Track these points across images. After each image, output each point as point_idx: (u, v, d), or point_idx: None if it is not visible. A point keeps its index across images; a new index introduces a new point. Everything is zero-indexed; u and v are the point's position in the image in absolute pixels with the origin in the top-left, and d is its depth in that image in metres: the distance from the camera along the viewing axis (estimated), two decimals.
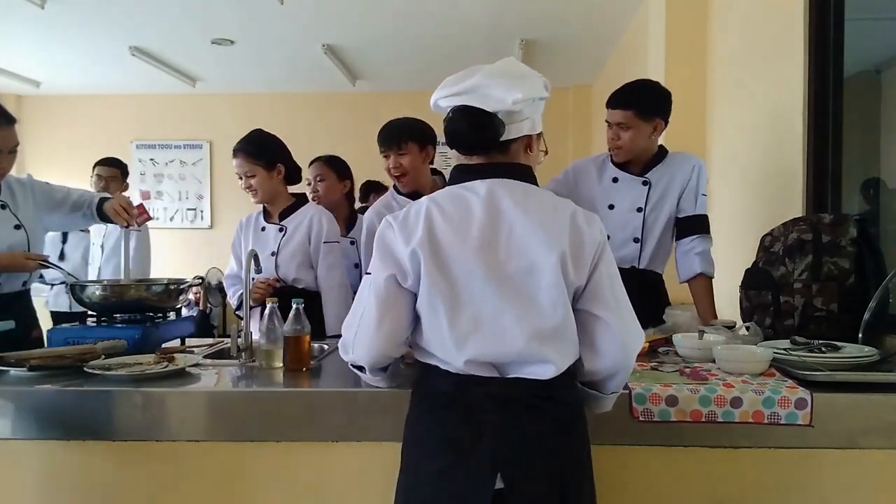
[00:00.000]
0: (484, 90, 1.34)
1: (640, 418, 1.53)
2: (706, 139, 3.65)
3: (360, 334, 1.37)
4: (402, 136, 2.39)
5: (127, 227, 2.42)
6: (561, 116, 7.20)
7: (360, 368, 1.44)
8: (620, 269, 2.37)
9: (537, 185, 1.41)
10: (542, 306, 1.30)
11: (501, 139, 1.35)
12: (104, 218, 2.50)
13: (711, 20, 3.66)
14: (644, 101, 2.36)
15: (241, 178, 2.56)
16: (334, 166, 3.08)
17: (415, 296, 1.34)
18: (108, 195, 2.61)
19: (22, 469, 1.68)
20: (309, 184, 3.04)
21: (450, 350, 1.31)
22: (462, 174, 1.40)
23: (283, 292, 2.44)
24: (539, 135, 1.44)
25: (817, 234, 1.99)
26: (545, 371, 1.30)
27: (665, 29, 3.78)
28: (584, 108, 7.06)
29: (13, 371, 1.76)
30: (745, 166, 3.12)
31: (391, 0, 4.61)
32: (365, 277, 1.40)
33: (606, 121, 2.40)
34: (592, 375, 1.39)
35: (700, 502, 1.58)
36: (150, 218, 2.48)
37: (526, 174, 1.40)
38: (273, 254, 2.59)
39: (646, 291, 2.39)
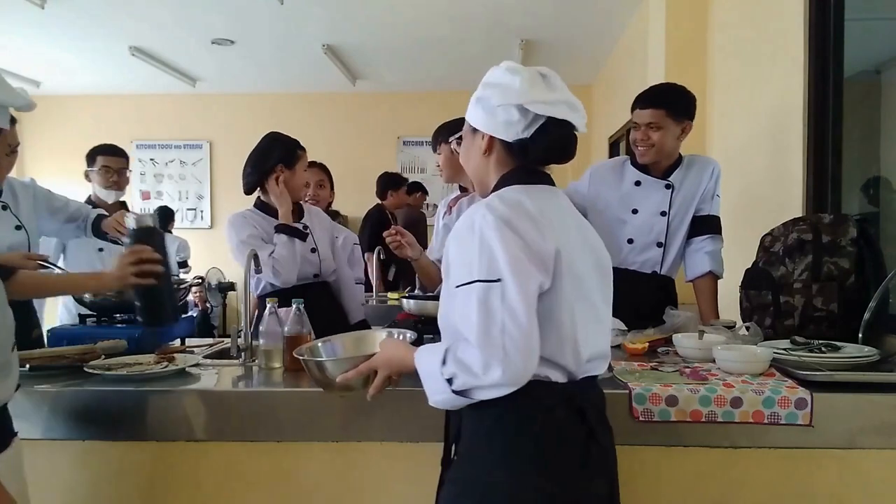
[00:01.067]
0: (576, 109, 1.32)
1: (640, 418, 1.53)
2: (706, 139, 3.65)
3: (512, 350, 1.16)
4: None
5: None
6: None
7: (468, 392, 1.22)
8: (641, 275, 2.43)
9: None
10: (610, 303, 1.36)
11: None
12: (98, 234, 2.53)
13: (711, 20, 3.66)
14: (675, 102, 2.35)
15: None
16: (327, 173, 3.18)
17: None
18: (104, 212, 2.62)
19: (21, 469, 1.68)
20: (307, 186, 3.01)
21: (570, 354, 1.24)
22: (529, 175, 1.33)
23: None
24: None
25: (817, 234, 1.99)
26: (605, 363, 1.35)
27: (665, 29, 3.78)
28: (584, 108, 7.06)
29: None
30: (746, 166, 3.12)
31: (391, 0, 4.61)
32: (478, 286, 1.19)
33: (634, 122, 2.37)
34: None
35: (700, 502, 1.58)
36: None
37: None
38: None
39: (663, 298, 2.39)
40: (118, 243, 2.60)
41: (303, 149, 2.52)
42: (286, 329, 1.80)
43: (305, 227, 2.52)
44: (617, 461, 1.34)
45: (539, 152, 1.30)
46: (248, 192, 2.51)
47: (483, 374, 1.16)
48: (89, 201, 3.01)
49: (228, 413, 1.63)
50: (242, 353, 1.90)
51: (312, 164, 3.03)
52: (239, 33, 5.36)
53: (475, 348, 1.16)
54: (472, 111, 1.36)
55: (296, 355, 1.54)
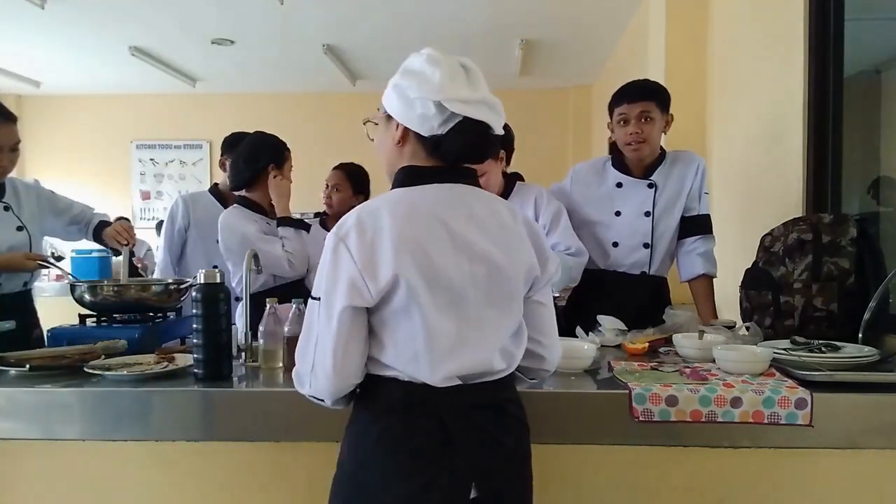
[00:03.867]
0: (494, 106, 1.27)
1: (640, 418, 1.53)
2: (706, 139, 3.65)
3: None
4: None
5: (128, 247, 2.44)
6: (561, 116, 7.22)
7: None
8: (630, 277, 2.42)
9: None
10: (512, 311, 1.30)
11: None
12: (98, 240, 2.52)
13: (711, 20, 3.66)
14: (661, 94, 2.34)
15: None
16: (352, 178, 3.04)
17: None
18: (107, 218, 2.59)
19: (21, 469, 1.68)
20: (326, 187, 3.02)
21: (419, 364, 1.22)
22: (420, 177, 1.29)
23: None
24: None
25: (817, 234, 1.99)
26: (508, 369, 1.32)
27: (665, 29, 3.78)
28: (584, 108, 7.07)
29: (13, 371, 1.76)
30: (746, 166, 3.12)
31: (391, 0, 4.61)
32: (311, 299, 1.27)
33: (622, 116, 2.32)
34: (543, 363, 1.41)
35: (700, 502, 1.58)
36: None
37: (476, 177, 1.36)
38: None
39: (655, 298, 2.39)
40: (118, 253, 2.60)
41: (288, 150, 2.59)
42: (286, 329, 1.80)
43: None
44: (506, 471, 1.28)
45: (452, 151, 1.27)
46: (237, 188, 2.57)
47: (301, 386, 1.28)
48: None
49: (229, 413, 1.63)
50: (242, 353, 1.90)
51: (336, 167, 3.07)
52: (239, 33, 5.36)
53: (297, 360, 1.28)
54: (388, 97, 1.30)
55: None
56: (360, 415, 1.29)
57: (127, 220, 2.56)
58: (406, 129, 1.28)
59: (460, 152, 1.28)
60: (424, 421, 1.22)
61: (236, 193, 2.62)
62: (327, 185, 3.03)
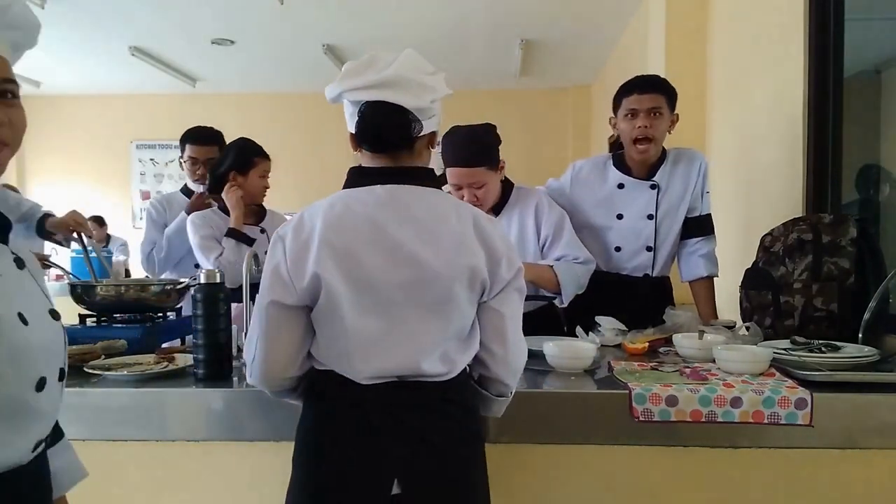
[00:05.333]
0: (402, 85, 1.25)
1: (640, 418, 1.53)
2: (706, 139, 3.65)
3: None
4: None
5: (82, 244, 2.36)
6: (561, 116, 7.22)
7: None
8: (633, 279, 2.40)
9: (439, 186, 1.37)
10: (449, 315, 1.27)
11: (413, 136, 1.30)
12: (42, 234, 2.41)
13: (711, 20, 3.66)
14: (670, 90, 2.29)
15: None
16: None
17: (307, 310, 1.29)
18: (50, 212, 2.47)
19: None
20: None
21: (352, 363, 1.25)
22: (363, 178, 1.32)
23: None
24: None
25: (817, 234, 1.99)
26: (449, 372, 1.28)
27: (665, 29, 3.78)
28: (584, 108, 7.07)
29: None
30: (745, 166, 3.12)
31: (391, 0, 4.61)
32: None
33: (631, 109, 2.25)
34: (491, 373, 1.36)
35: (700, 502, 1.58)
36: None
37: (429, 177, 1.35)
38: None
39: (658, 299, 2.37)
40: (62, 245, 2.56)
41: (261, 155, 2.61)
42: None
43: (263, 230, 2.67)
44: (433, 471, 1.26)
45: (364, 139, 1.31)
46: (210, 192, 2.66)
47: (248, 376, 1.36)
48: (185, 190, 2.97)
49: (229, 413, 1.63)
50: (242, 354, 1.90)
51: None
52: (239, 33, 5.36)
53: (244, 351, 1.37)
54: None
55: None
56: (304, 404, 1.36)
57: (79, 213, 2.48)
58: (352, 133, 1.33)
59: (370, 137, 1.30)
60: (352, 412, 1.26)
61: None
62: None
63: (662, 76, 3.60)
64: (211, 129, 2.94)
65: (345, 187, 1.33)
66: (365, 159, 1.35)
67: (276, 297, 1.25)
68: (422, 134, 1.30)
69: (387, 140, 1.30)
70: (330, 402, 1.29)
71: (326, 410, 1.29)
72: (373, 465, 1.25)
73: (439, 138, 1.48)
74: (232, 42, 5.54)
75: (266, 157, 2.65)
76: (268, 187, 2.69)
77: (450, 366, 1.28)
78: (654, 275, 2.40)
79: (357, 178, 1.33)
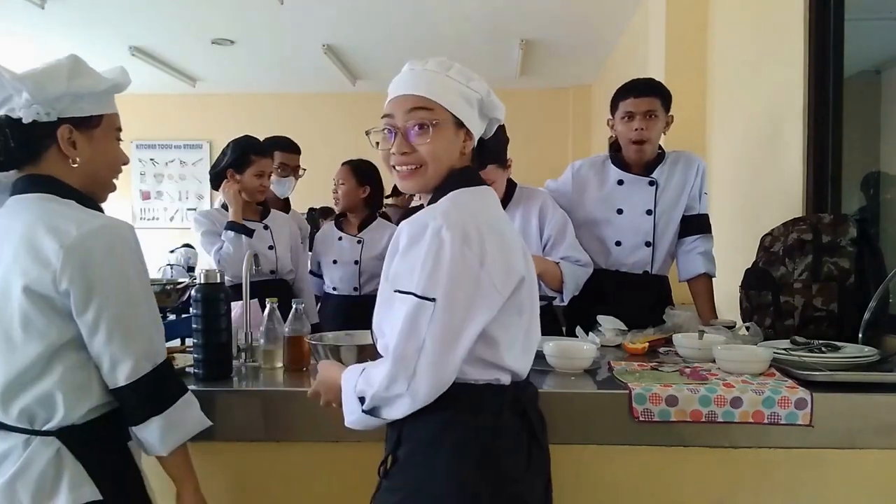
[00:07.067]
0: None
1: (640, 418, 1.53)
2: (706, 139, 3.65)
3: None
4: None
5: None
6: (561, 116, 7.22)
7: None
8: (632, 277, 2.42)
9: None
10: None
11: None
12: None
13: (711, 20, 3.66)
14: (665, 93, 2.35)
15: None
16: (355, 171, 3.05)
17: None
18: None
19: None
20: (334, 189, 3.05)
21: (520, 358, 1.28)
22: (475, 178, 1.32)
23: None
24: None
25: (817, 234, 1.99)
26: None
27: (665, 29, 3.78)
28: (584, 108, 7.07)
29: None
30: (746, 166, 3.12)
31: (391, 0, 4.61)
32: (412, 299, 1.16)
33: (627, 112, 2.31)
34: None
35: (700, 502, 1.58)
36: None
37: None
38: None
39: (657, 298, 2.38)
40: None
41: (259, 153, 2.63)
42: (286, 329, 1.80)
43: (266, 226, 2.73)
44: (550, 459, 1.35)
45: (491, 153, 1.38)
46: (215, 189, 2.74)
47: (385, 388, 1.15)
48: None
49: (228, 413, 1.63)
50: (243, 353, 1.90)
51: (343, 163, 3.06)
52: (239, 33, 5.36)
53: (387, 362, 1.15)
54: (457, 104, 1.26)
55: (309, 341, 1.73)
56: (442, 427, 1.19)
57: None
58: (470, 136, 1.30)
59: (496, 153, 1.35)
60: (518, 419, 1.25)
61: None
62: (335, 182, 3.06)
63: (662, 76, 3.62)
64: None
65: (461, 186, 1.27)
66: (465, 162, 1.31)
67: (483, 315, 1.16)
68: None
69: (499, 156, 1.38)
70: (496, 417, 1.21)
71: (493, 425, 1.20)
72: (542, 468, 1.29)
73: None
74: (232, 42, 5.54)
75: (265, 154, 2.66)
76: (265, 186, 2.69)
77: None
78: (653, 272, 2.41)
79: (472, 178, 1.31)
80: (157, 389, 1.27)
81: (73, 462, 1.22)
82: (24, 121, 1.25)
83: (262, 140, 2.78)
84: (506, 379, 1.24)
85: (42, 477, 1.20)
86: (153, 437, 1.27)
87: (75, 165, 1.30)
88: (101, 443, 1.27)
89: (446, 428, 1.18)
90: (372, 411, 1.19)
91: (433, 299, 1.12)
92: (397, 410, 1.16)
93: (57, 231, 1.20)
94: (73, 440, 1.23)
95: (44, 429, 1.22)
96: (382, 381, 1.15)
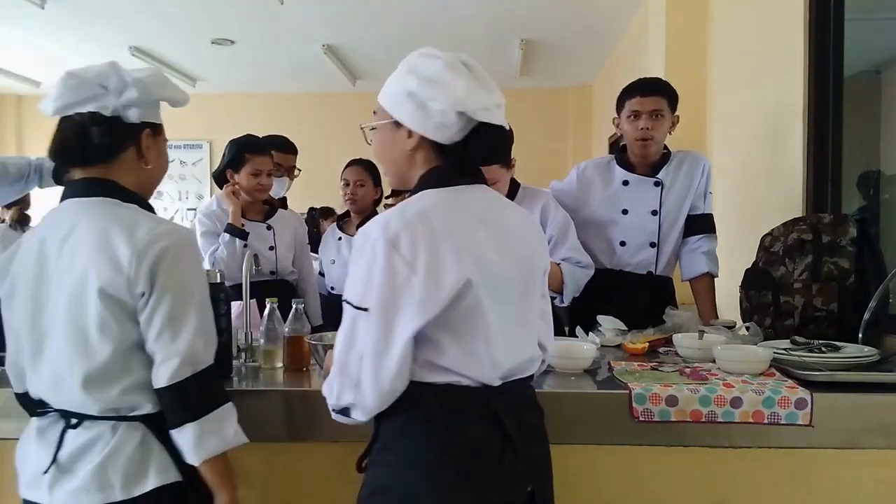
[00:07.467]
0: (503, 109, 1.27)
1: (640, 418, 1.53)
2: (706, 139, 3.65)
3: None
4: None
5: None
6: (561, 116, 7.22)
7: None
8: (636, 277, 2.42)
9: None
10: (533, 304, 1.31)
11: None
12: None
13: (711, 20, 3.66)
14: (672, 93, 2.34)
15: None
16: (372, 172, 3.02)
17: None
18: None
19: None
20: (347, 185, 2.99)
21: (482, 364, 1.19)
22: (454, 175, 1.26)
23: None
24: None
25: (817, 234, 1.99)
26: (537, 364, 1.33)
27: (665, 29, 3.78)
28: (584, 108, 7.07)
29: None
30: (746, 166, 3.12)
31: (391, 0, 4.61)
32: (350, 309, 1.18)
33: (634, 111, 2.30)
34: (546, 356, 1.40)
35: (700, 502, 1.58)
36: None
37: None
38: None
39: (660, 298, 2.37)
40: None
41: (254, 152, 2.61)
42: (286, 329, 1.80)
43: (269, 227, 2.72)
44: (547, 466, 1.31)
45: (472, 155, 1.25)
46: (220, 187, 2.73)
47: (337, 399, 1.18)
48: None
49: None
50: (243, 353, 1.90)
51: (356, 163, 3.02)
52: (239, 33, 5.36)
53: (334, 373, 1.18)
54: (399, 105, 1.24)
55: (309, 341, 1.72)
56: (409, 426, 1.19)
57: None
58: (421, 138, 1.23)
59: (483, 157, 1.28)
60: (487, 422, 1.19)
61: None
62: (348, 183, 2.99)
63: (662, 76, 3.62)
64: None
65: (433, 185, 1.24)
66: (430, 163, 1.26)
67: (416, 321, 1.12)
68: None
69: (497, 160, 1.32)
70: (459, 416, 1.18)
71: (457, 424, 1.18)
72: (513, 474, 1.21)
73: None
74: (232, 42, 5.54)
75: (261, 152, 2.62)
76: (263, 185, 2.64)
77: (538, 357, 1.33)
78: (657, 273, 2.41)
79: (449, 175, 1.25)
80: (194, 396, 1.28)
81: (159, 446, 1.27)
82: (127, 119, 1.32)
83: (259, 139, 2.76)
84: (467, 382, 1.18)
85: (130, 460, 1.25)
86: (186, 443, 1.26)
87: (148, 167, 1.38)
88: None
89: (407, 427, 1.19)
90: (342, 412, 1.20)
91: (367, 309, 1.14)
92: (357, 416, 1.18)
93: (130, 235, 1.25)
94: (156, 426, 1.27)
95: (130, 414, 1.27)
96: (333, 393, 1.19)
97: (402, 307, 1.12)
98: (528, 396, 1.31)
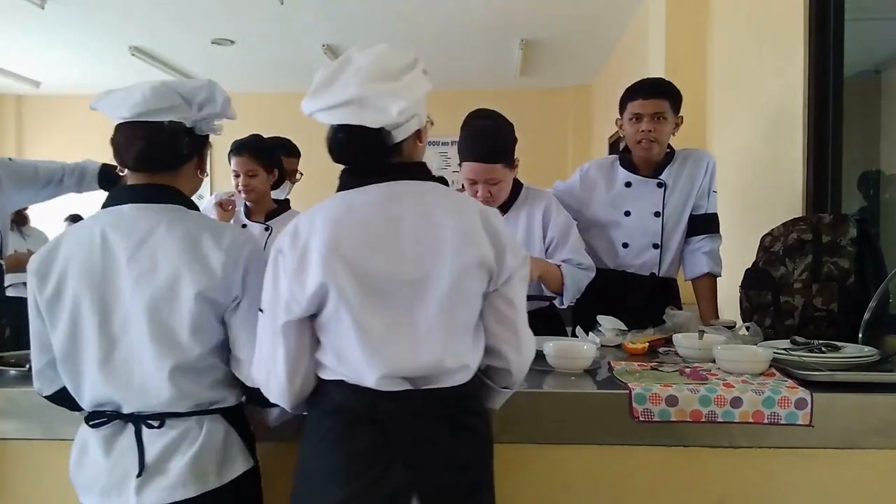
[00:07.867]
0: (364, 103, 1.21)
1: (640, 418, 1.53)
2: (706, 139, 3.65)
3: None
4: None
5: None
6: (561, 116, 7.22)
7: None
8: (639, 278, 2.41)
9: (433, 178, 1.33)
10: (454, 308, 1.23)
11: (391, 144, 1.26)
12: (109, 183, 2.42)
13: (711, 20, 3.66)
14: (675, 94, 2.32)
15: (238, 175, 2.64)
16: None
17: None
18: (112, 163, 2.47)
19: (21, 469, 1.68)
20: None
21: (358, 368, 1.21)
22: (357, 178, 1.29)
23: None
24: (428, 122, 1.36)
25: (817, 234, 1.99)
26: (463, 376, 1.26)
27: (665, 29, 3.78)
28: (584, 108, 7.06)
29: (13, 371, 1.76)
30: (746, 166, 3.12)
31: (391, 0, 4.61)
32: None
33: (636, 113, 2.29)
34: (511, 366, 1.33)
35: (700, 502, 1.58)
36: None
37: (425, 172, 1.32)
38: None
39: (664, 300, 2.35)
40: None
41: (231, 153, 2.63)
42: None
43: (268, 227, 2.71)
44: (454, 489, 1.23)
45: (339, 156, 1.30)
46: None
47: (266, 396, 1.30)
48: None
49: None
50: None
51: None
52: (239, 33, 5.36)
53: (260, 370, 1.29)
54: None
55: None
56: (311, 414, 1.31)
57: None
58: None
59: (338, 158, 1.30)
60: (368, 425, 1.21)
61: None
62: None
63: (662, 76, 3.62)
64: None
65: (339, 190, 1.31)
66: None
67: (284, 317, 1.22)
68: (405, 137, 1.28)
69: (364, 161, 1.29)
70: (343, 415, 1.23)
71: (341, 422, 1.23)
72: (393, 483, 1.19)
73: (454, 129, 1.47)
74: (232, 42, 5.54)
75: (236, 153, 2.59)
76: (245, 186, 2.59)
77: (464, 370, 1.25)
78: (660, 274, 2.40)
79: (348, 179, 1.30)
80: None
81: (237, 436, 1.38)
82: (199, 132, 1.45)
83: (257, 141, 2.74)
84: (351, 380, 1.22)
85: (220, 450, 1.34)
86: (274, 416, 1.45)
87: (204, 176, 1.51)
88: (245, 420, 1.44)
89: (306, 418, 1.31)
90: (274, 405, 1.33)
91: (262, 310, 1.27)
92: (285, 407, 1.32)
93: (218, 243, 1.33)
94: (234, 419, 1.39)
95: (211, 408, 1.36)
96: (263, 389, 1.30)
97: (276, 310, 1.23)
98: (440, 408, 1.24)
